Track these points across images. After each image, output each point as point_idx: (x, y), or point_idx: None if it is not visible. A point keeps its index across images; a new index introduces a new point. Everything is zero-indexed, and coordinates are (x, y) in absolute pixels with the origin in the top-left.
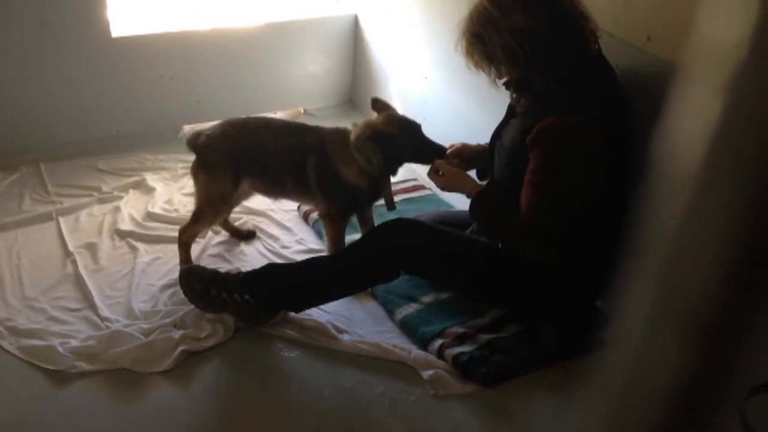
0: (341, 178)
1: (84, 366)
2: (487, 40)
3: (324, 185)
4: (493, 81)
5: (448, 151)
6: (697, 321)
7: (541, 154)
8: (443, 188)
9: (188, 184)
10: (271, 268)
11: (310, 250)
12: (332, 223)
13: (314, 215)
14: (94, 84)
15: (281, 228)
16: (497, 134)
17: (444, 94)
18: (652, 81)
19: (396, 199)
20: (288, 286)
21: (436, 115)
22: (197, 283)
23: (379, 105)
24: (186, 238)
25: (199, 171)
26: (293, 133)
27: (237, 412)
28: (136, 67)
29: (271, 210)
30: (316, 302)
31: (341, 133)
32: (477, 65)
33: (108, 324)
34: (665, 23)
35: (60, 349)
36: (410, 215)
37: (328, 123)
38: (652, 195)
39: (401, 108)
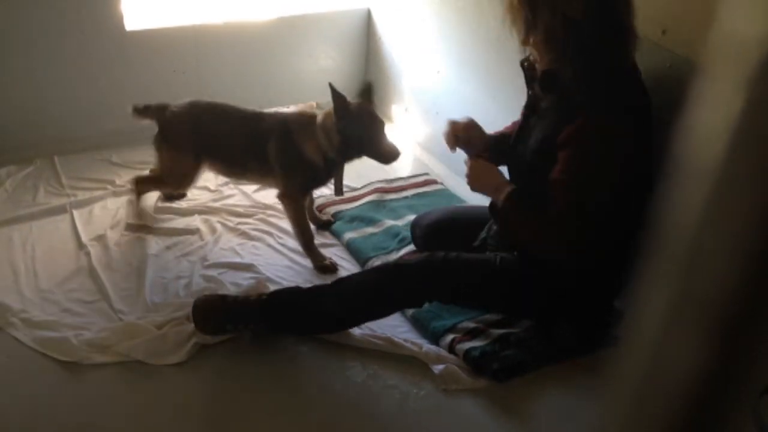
0: (302, 154)
1: (97, 357)
2: (536, 11)
3: (285, 162)
4: (521, 46)
5: (462, 124)
6: (716, 318)
7: (573, 155)
8: (471, 187)
9: (201, 178)
10: (288, 302)
11: (322, 245)
12: (291, 201)
13: (327, 210)
14: (108, 77)
15: None
16: (518, 139)
17: (456, 88)
18: (667, 75)
19: (408, 193)
20: (307, 320)
21: (449, 109)
22: (212, 322)
23: (363, 90)
24: (140, 189)
25: (162, 145)
26: (250, 120)
27: (248, 405)
28: (149, 61)
29: None
30: (335, 332)
31: (304, 115)
32: (512, 23)
33: (121, 316)
34: (681, 17)
35: (74, 340)
36: (422, 210)
37: None
38: (672, 191)
39: (414, 102)
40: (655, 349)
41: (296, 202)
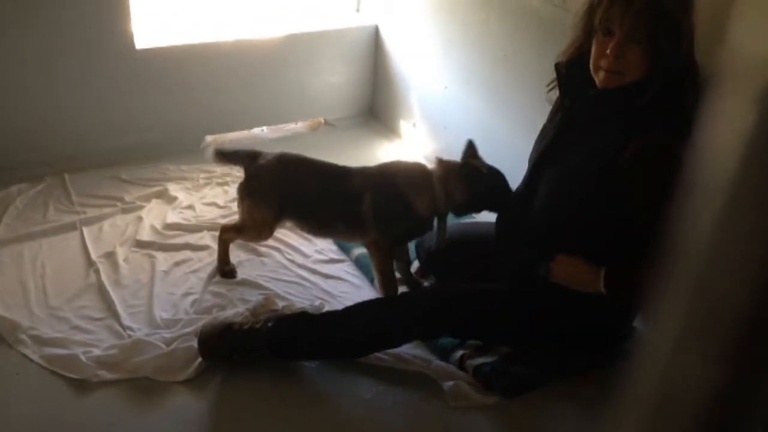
0: (411, 208)
1: (106, 375)
2: (682, 27)
3: (384, 216)
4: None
5: None
6: (729, 334)
7: (652, 181)
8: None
9: (209, 194)
10: (295, 331)
11: (330, 260)
12: (380, 250)
13: None
14: (118, 95)
15: (301, 238)
16: (547, 158)
17: (464, 103)
18: None
19: None
20: (314, 351)
21: (457, 124)
22: (218, 354)
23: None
24: (225, 238)
25: (245, 195)
26: (339, 178)
27: (256, 422)
28: (159, 79)
29: None
30: (342, 360)
31: (415, 169)
32: (629, 43)
33: (130, 333)
34: None
35: (83, 357)
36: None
37: (349, 133)
38: (684, 205)
39: (422, 117)
40: (668, 364)
41: (386, 251)
